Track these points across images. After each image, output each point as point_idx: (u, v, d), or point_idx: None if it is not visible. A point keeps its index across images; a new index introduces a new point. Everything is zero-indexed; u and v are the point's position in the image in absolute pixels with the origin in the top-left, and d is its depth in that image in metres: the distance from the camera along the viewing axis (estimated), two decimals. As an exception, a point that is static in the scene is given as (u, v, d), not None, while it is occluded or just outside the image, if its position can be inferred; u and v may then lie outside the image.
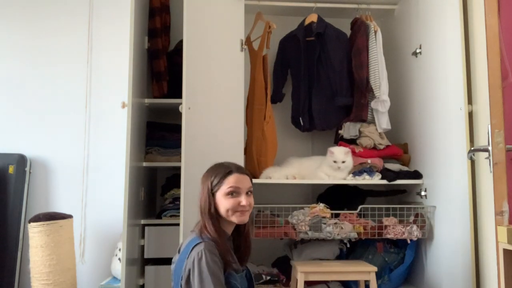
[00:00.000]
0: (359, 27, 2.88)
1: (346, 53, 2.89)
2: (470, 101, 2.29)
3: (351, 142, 2.88)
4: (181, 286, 1.74)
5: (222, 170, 1.83)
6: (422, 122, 2.72)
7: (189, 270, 1.70)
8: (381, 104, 2.80)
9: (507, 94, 1.94)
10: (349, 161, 2.67)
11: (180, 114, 2.31)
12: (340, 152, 2.65)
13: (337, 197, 2.87)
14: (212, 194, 1.82)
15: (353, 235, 2.57)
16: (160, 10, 2.87)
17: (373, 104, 2.83)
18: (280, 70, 3.07)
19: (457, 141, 2.33)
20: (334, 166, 2.64)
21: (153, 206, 2.99)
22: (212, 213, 1.79)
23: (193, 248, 1.74)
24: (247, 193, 1.83)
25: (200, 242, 1.74)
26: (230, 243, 1.88)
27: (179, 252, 1.86)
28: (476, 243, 2.21)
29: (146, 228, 2.61)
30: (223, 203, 1.80)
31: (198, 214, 1.86)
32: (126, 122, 2.33)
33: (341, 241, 2.73)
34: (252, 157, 2.79)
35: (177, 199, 2.65)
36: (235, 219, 1.81)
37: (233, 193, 1.80)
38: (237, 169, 1.85)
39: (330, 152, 2.66)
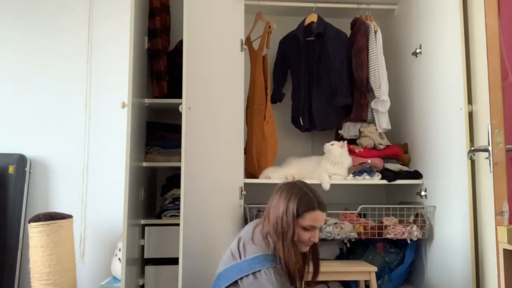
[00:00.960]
0: (359, 27, 2.88)
1: (346, 53, 2.89)
2: (470, 101, 2.28)
3: (351, 142, 2.88)
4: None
5: (307, 202, 1.82)
6: (422, 122, 2.72)
7: None
8: (381, 104, 2.80)
9: (507, 94, 1.94)
10: (347, 160, 2.68)
11: (180, 114, 2.31)
12: (336, 148, 2.67)
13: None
14: (295, 222, 1.81)
15: (353, 235, 2.57)
16: (160, 10, 2.86)
17: (373, 104, 2.83)
18: (280, 70, 3.07)
19: (457, 141, 2.33)
20: (332, 166, 2.67)
21: (153, 206, 2.99)
22: (294, 241, 1.81)
23: (263, 269, 1.75)
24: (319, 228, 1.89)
25: (272, 267, 1.76)
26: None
27: (234, 255, 1.85)
28: (476, 243, 2.21)
29: (146, 228, 2.61)
30: (300, 235, 1.82)
31: (271, 232, 1.83)
32: (126, 122, 2.33)
33: (342, 241, 2.73)
34: (252, 157, 2.79)
35: (177, 199, 2.65)
36: (303, 249, 1.86)
37: (311, 228, 1.83)
38: (322, 207, 1.86)
39: (327, 149, 2.69)
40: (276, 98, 3.04)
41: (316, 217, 1.82)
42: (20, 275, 2.87)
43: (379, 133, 2.85)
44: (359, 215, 2.67)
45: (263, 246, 1.82)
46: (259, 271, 1.75)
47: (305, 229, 1.81)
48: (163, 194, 2.87)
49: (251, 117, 2.84)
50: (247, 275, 1.76)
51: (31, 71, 3.10)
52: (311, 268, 1.97)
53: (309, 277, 1.96)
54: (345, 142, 2.74)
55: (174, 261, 2.27)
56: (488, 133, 1.82)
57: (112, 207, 2.95)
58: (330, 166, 2.67)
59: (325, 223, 2.55)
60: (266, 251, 1.80)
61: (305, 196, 1.83)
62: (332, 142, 2.73)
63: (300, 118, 2.94)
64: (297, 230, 1.80)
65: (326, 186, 2.63)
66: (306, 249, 1.86)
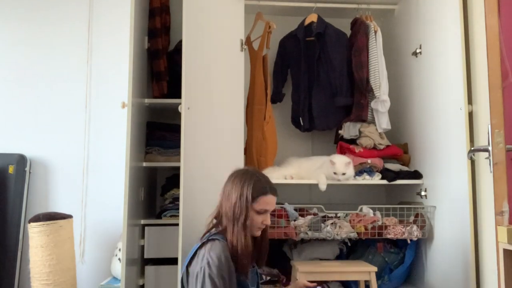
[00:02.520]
0: (359, 27, 2.88)
1: (346, 53, 2.88)
2: (470, 101, 2.28)
3: (351, 142, 2.88)
4: (187, 271, 1.85)
5: (260, 187, 1.89)
6: (422, 122, 2.72)
7: (200, 267, 1.78)
8: (381, 104, 2.80)
9: (507, 94, 1.93)
10: (350, 172, 2.64)
11: (180, 114, 2.31)
12: (341, 164, 2.61)
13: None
14: (249, 206, 1.87)
15: (353, 235, 2.57)
16: (160, 10, 2.86)
17: (373, 104, 2.83)
18: (280, 70, 3.07)
19: (457, 141, 2.33)
20: (334, 177, 2.63)
21: (153, 206, 2.99)
22: (246, 225, 1.86)
23: (208, 241, 1.83)
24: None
25: (218, 240, 1.82)
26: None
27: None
28: (476, 243, 2.21)
29: (146, 228, 2.61)
30: (253, 219, 1.88)
31: (224, 217, 1.90)
32: (126, 122, 2.33)
33: (342, 241, 2.73)
34: (252, 157, 2.79)
35: (177, 199, 2.65)
36: (256, 233, 1.91)
37: (264, 212, 1.89)
38: (273, 190, 1.93)
39: (332, 162, 2.62)
40: (276, 98, 3.04)
41: (268, 201, 1.90)
42: (20, 275, 2.87)
43: (379, 133, 2.85)
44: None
45: (212, 230, 1.91)
46: (204, 243, 1.84)
47: (258, 213, 1.88)
48: (163, 194, 2.88)
49: (251, 117, 2.84)
50: (195, 254, 1.84)
51: (31, 71, 3.11)
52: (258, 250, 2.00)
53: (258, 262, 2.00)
54: (351, 162, 2.66)
55: (174, 261, 2.27)
56: (488, 133, 1.81)
57: (112, 207, 2.95)
58: (334, 176, 2.64)
59: (324, 223, 2.56)
60: (218, 231, 1.89)
61: (258, 182, 1.90)
62: (336, 157, 2.65)
63: (300, 118, 2.94)
64: (250, 214, 1.86)
65: (323, 187, 2.62)
66: (259, 232, 1.92)
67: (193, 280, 1.80)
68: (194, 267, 1.81)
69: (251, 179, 1.90)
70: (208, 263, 1.76)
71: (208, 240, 1.85)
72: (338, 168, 2.60)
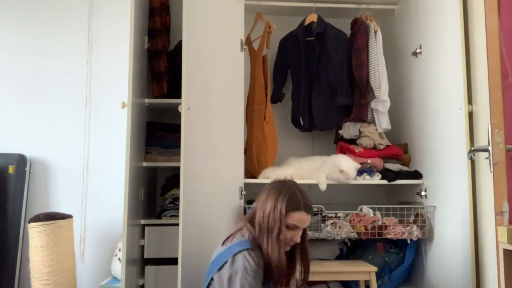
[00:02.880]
0: (359, 27, 2.88)
1: (346, 53, 2.88)
2: (470, 101, 2.28)
3: (351, 142, 2.88)
4: (212, 279, 1.81)
5: (294, 202, 1.86)
6: (422, 122, 2.72)
7: (230, 274, 1.76)
8: (381, 104, 2.80)
9: (507, 94, 1.93)
10: (354, 173, 2.65)
11: (180, 114, 2.31)
12: (350, 169, 2.60)
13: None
14: (282, 220, 1.84)
15: (353, 235, 2.57)
16: (160, 10, 2.86)
17: (373, 104, 2.83)
18: (280, 70, 3.07)
19: (457, 141, 2.33)
20: (341, 179, 2.62)
21: (153, 206, 2.99)
22: (279, 238, 1.83)
23: (240, 252, 1.79)
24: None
25: (249, 249, 1.79)
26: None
27: (222, 245, 1.89)
28: (476, 243, 2.21)
29: (146, 228, 2.61)
30: (283, 232, 1.84)
31: (257, 227, 1.87)
32: (126, 122, 2.33)
33: (342, 241, 2.73)
34: (252, 157, 2.79)
35: (177, 199, 2.64)
36: (285, 248, 1.88)
37: (294, 228, 1.86)
38: (308, 209, 1.89)
39: (341, 170, 2.59)
40: (276, 98, 3.04)
41: (301, 218, 1.86)
42: (20, 275, 2.87)
43: (379, 133, 2.85)
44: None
45: (245, 236, 1.86)
46: (236, 254, 1.79)
47: (288, 227, 1.85)
48: (163, 194, 2.88)
49: (251, 117, 2.84)
50: (226, 262, 1.80)
51: (31, 71, 3.10)
52: (300, 270, 1.99)
53: (298, 277, 1.98)
54: (358, 166, 2.65)
55: (174, 261, 2.27)
56: (488, 133, 1.82)
57: (112, 207, 2.95)
58: (340, 179, 2.64)
59: (324, 223, 2.56)
60: (247, 240, 1.85)
61: (293, 196, 1.87)
62: (343, 162, 2.63)
63: (300, 118, 2.94)
64: (282, 227, 1.83)
65: (323, 187, 2.63)
66: (287, 248, 1.89)
67: (223, 283, 1.77)
68: (226, 271, 1.78)
69: (288, 192, 1.87)
70: (245, 268, 1.74)
71: (244, 249, 1.80)
72: (350, 173, 2.59)
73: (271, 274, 1.81)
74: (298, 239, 1.87)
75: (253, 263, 1.75)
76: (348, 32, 2.98)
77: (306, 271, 1.97)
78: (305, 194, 1.91)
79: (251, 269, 1.74)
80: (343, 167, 2.60)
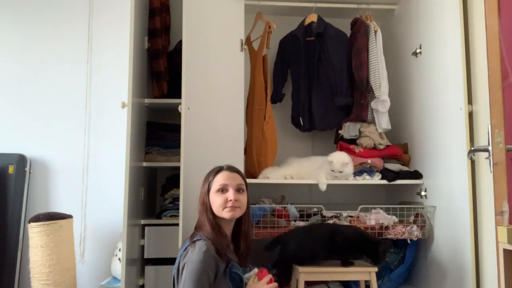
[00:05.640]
0: (359, 27, 2.88)
1: (346, 53, 2.88)
2: (470, 101, 2.28)
3: (351, 142, 2.88)
4: (174, 279, 1.87)
5: (214, 170, 1.98)
6: (422, 122, 2.72)
7: (183, 265, 1.80)
8: (381, 104, 2.80)
9: (507, 94, 1.93)
10: (348, 170, 2.65)
11: (180, 114, 2.31)
12: (338, 162, 2.62)
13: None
14: (208, 193, 1.93)
15: (353, 235, 2.57)
16: (160, 10, 2.87)
17: (373, 104, 2.83)
18: (280, 70, 3.07)
19: (457, 141, 2.33)
20: (332, 174, 2.64)
21: (153, 206, 2.99)
22: (208, 211, 1.91)
23: (190, 244, 1.84)
24: (238, 190, 1.93)
25: (198, 240, 1.84)
26: (230, 243, 1.96)
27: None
28: (476, 243, 2.21)
29: (146, 228, 2.61)
30: (215, 200, 1.91)
31: (198, 216, 1.97)
32: (126, 122, 2.33)
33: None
34: (252, 157, 2.79)
35: (177, 199, 2.65)
36: (225, 214, 1.91)
37: (223, 190, 1.92)
38: (228, 167, 1.97)
39: (329, 160, 2.64)
40: (276, 98, 3.04)
41: (223, 177, 1.93)
42: (20, 275, 2.87)
43: (379, 133, 2.85)
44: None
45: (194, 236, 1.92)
46: (188, 245, 1.85)
47: (219, 191, 1.91)
48: (163, 194, 2.88)
49: (251, 117, 2.84)
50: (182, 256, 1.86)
51: (31, 71, 3.11)
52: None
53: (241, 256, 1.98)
54: (349, 162, 2.65)
55: (174, 261, 2.26)
56: (488, 133, 1.82)
57: (112, 207, 2.95)
58: (331, 173, 2.65)
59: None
60: (196, 231, 1.93)
61: (214, 168, 1.98)
62: (334, 155, 2.66)
63: (300, 118, 2.94)
64: (212, 197, 1.91)
65: (323, 187, 2.62)
66: (229, 213, 1.90)
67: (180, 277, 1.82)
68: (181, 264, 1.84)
69: (212, 170, 1.97)
70: (192, 259, 1.78)
71: (193, 242, 1.85)
72: (336, 165, 2.62)
73: (220, 253, 1.82)
74: (231, 196, 1.89)
75: (199, 252, 1.78)
76: (348, 32, 2.98)
77: (247, 244, 1.98)
78: (230, 164, 2.00)
79: (198, 259, 1.77)
80: (331, 157, 2.63)
